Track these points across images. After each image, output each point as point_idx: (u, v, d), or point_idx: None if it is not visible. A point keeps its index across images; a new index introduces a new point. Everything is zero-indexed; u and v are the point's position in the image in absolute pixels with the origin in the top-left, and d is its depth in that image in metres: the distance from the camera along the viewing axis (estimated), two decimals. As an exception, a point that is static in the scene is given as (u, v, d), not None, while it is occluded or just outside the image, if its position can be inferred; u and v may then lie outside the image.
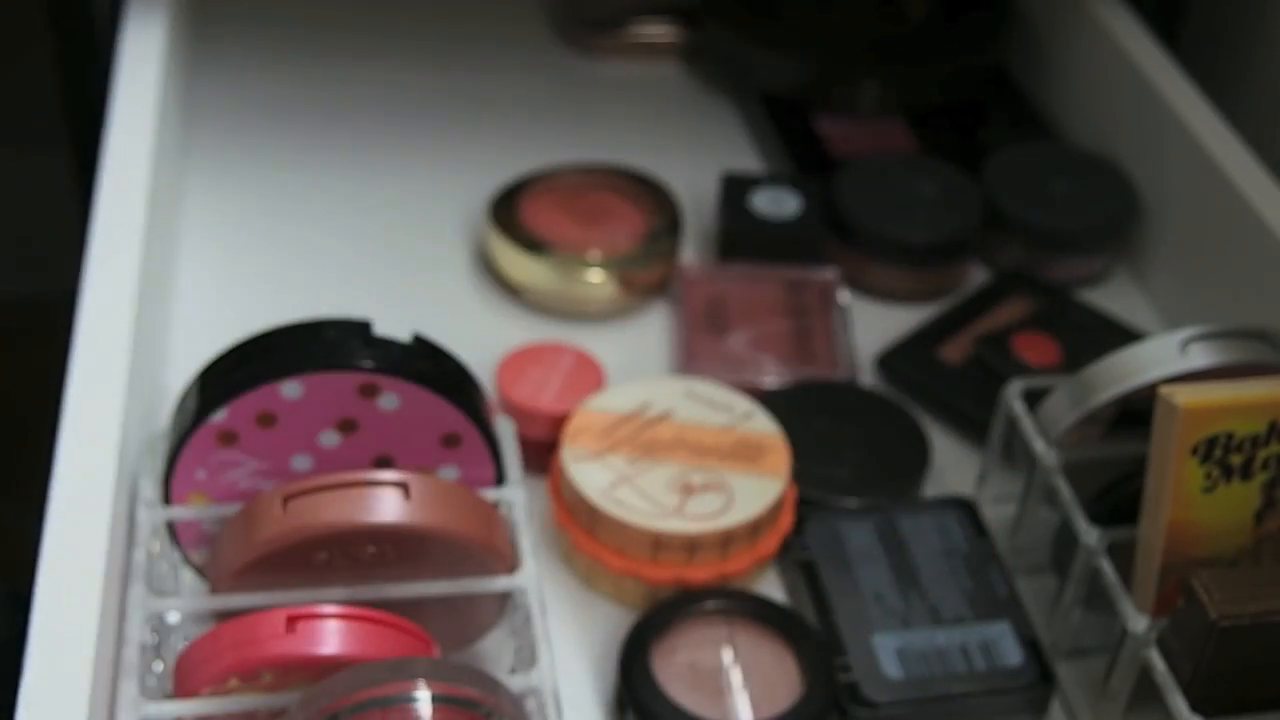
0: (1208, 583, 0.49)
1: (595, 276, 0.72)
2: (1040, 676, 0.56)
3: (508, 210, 0.74)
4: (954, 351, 0.71)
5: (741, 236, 0.75)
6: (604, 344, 0.69)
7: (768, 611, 0.57)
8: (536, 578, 0.51)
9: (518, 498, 0.54)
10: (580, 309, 0.73)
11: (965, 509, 0.62)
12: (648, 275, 0.73)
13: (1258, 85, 0.86)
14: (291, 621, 0.47)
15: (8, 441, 1.40)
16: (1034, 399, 0.60)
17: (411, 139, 0.85)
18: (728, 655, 0.56)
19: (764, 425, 0.62)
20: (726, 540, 0.58)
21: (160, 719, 0.46)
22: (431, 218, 0.80)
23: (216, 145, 0.83)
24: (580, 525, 0.60)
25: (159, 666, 0.50)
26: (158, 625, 0.49)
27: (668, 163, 0.81)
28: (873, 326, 0.74)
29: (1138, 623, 0.52)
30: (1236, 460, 0.51)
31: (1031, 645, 0.57)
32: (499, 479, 0.55)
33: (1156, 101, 0.77)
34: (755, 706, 0.55)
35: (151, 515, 0.52)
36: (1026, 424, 0.59)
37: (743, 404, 0.63)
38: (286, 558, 0.49)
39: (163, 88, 0.71)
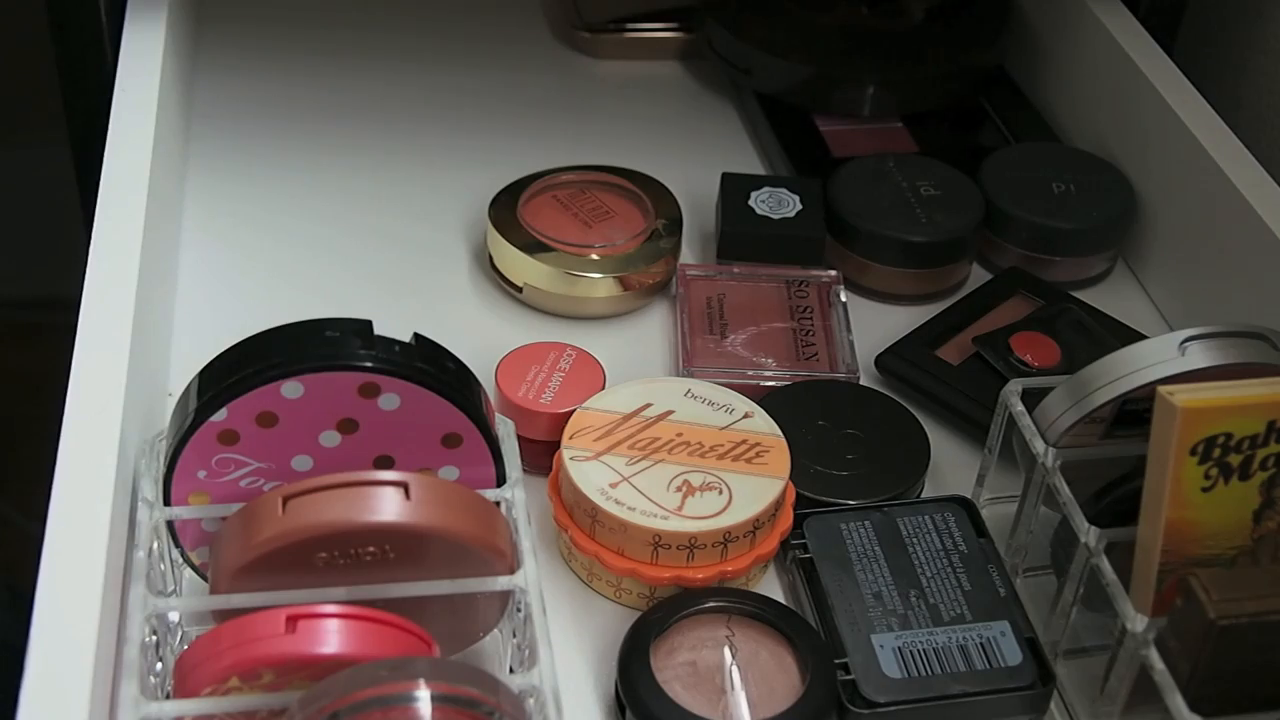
0: (1206, 582, 0.49)
1: (595, 276, 0.72)
2: (1039, 676, 0.56)
3: (508, 210, 0.74)
4: (953, 351, 0.71)
5: (741, 236, 0.75)
6: (604, 344, 0.69)
7: (767, 611, 0.58)
8: (536, 578, 0.51)
9: (518, 498, 0.54)
10: (580, 309, 0.73)
11: (965, 509, 0.62)
12: (648, 275, 0.73)
13: (1257, 85, 0.86)
14: (291, 621, 0.47)
15: (8, 441, 1.40)
16: (1033, 399, 0.60)
17: (411, 139, 0.86)
18: (727, 655, 0.56)
19: (764, 425, 0.62)
20: (726, 540, 0.58)
21: (160, 719, 0.46)
22: (431, 217, 0.80)
23: (216, 145, 0.83)
24: (580, 525, 0.60)
25: (159, 666, 0.50)
26: (158, 625, 0.50)
27: (668, 163, 0.81)
28: (873, 326, 0.74)
29: (1137, 622, 0.52)
30: (1235, 460, 0.51)
31: (1031, 645, 0.57)
32: (499, 479, 0.55)
33: (1156, 101, 0.77)
34: (755, 706, 0.55)
35: (151, 515, 0.52)
36: (1026, 424, 0.59)
37: (743, 404, 0.63)
38: (286, 558, 0.49)
39: (163, 88, 0.71)
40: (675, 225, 0.75)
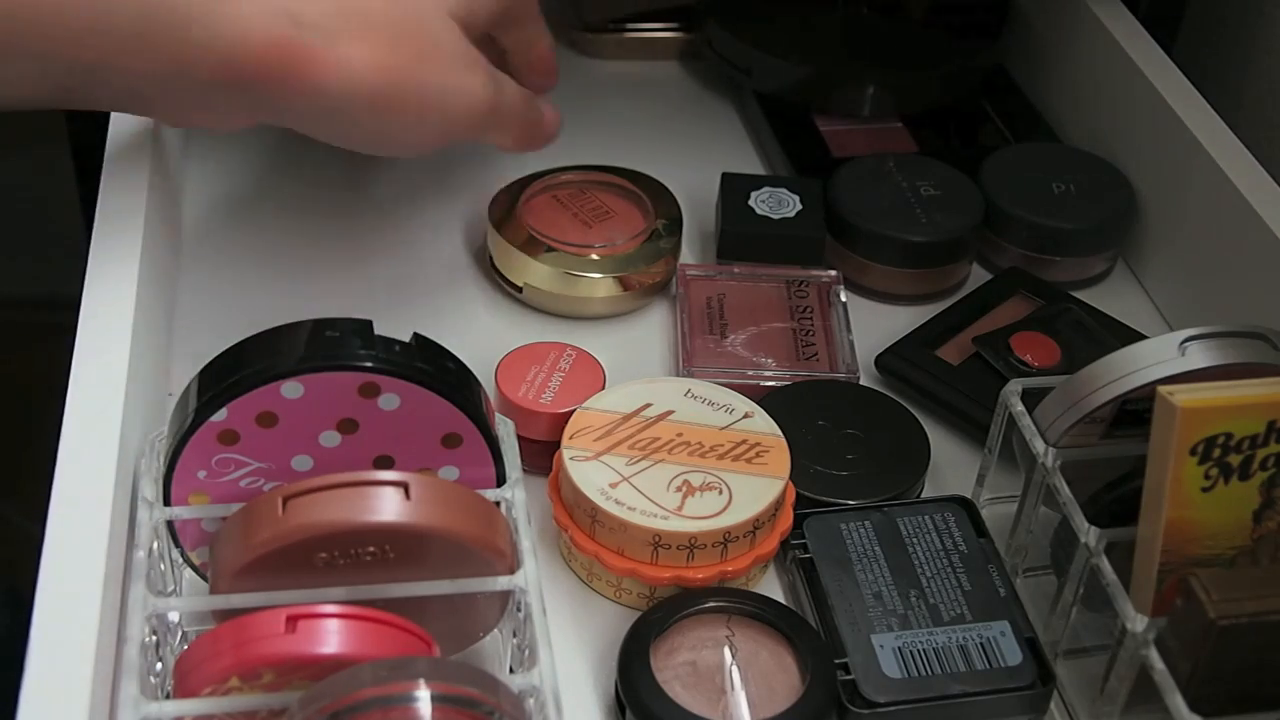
0: (1206, 582, 0.49)
1: (595, 276, 0.72)
2: (1039, 676, 0.56)
3: (508, 210, 0.74)
4: (953, 351, 0.71)
5: (741, 236, 0.75)
6: (604, 344, 0.69)
7: (767, 611, 0.58)
8: (536, 578, 0.51)
9: (518, 498, 0.54)
10: (580, 309, 0.73)
11: (965, 509, 0.62)
12: (648, 275, 0.73)
13: (1258, 85, 0.86)
14: (291, 621, 0.47)
15: (10, 442, 1.40)
16: (1033, 399, 0.60)
17: (412, 139, 0.85)
18: (727, 655, 0.56)
19: (764, 425, 0.62)
20: (726, 540, 0.58)
21: (160, 719, 0.46)
22: (431, 217, 0.80)
23: (216, 145, 0.83)
24: (580, 525, 0.60)
25: (159, 666, 0.50)
26: (158, 625, 0.50)
27: (668, 163, 0.81)
28: (873, 326, 0.74)
29: (1137, 622, 0.52)
30: (1235, 460, 0.51)
31: (1030, 645, 0.57)
32: (499, 479, 0.55)
33: (1156, 101, 0.77)
34: (755, 706, 0.55)
35: (151, 515, 0.52)
36: (1026, 424, 0.59)
37: (743, 404, 0.63)
38: (286, 558, 0.49)
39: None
40: (675, 225, 0.75)
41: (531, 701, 0.48)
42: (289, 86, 0.55)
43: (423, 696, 0.44)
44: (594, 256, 0.72)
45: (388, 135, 0.61)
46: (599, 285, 0.72)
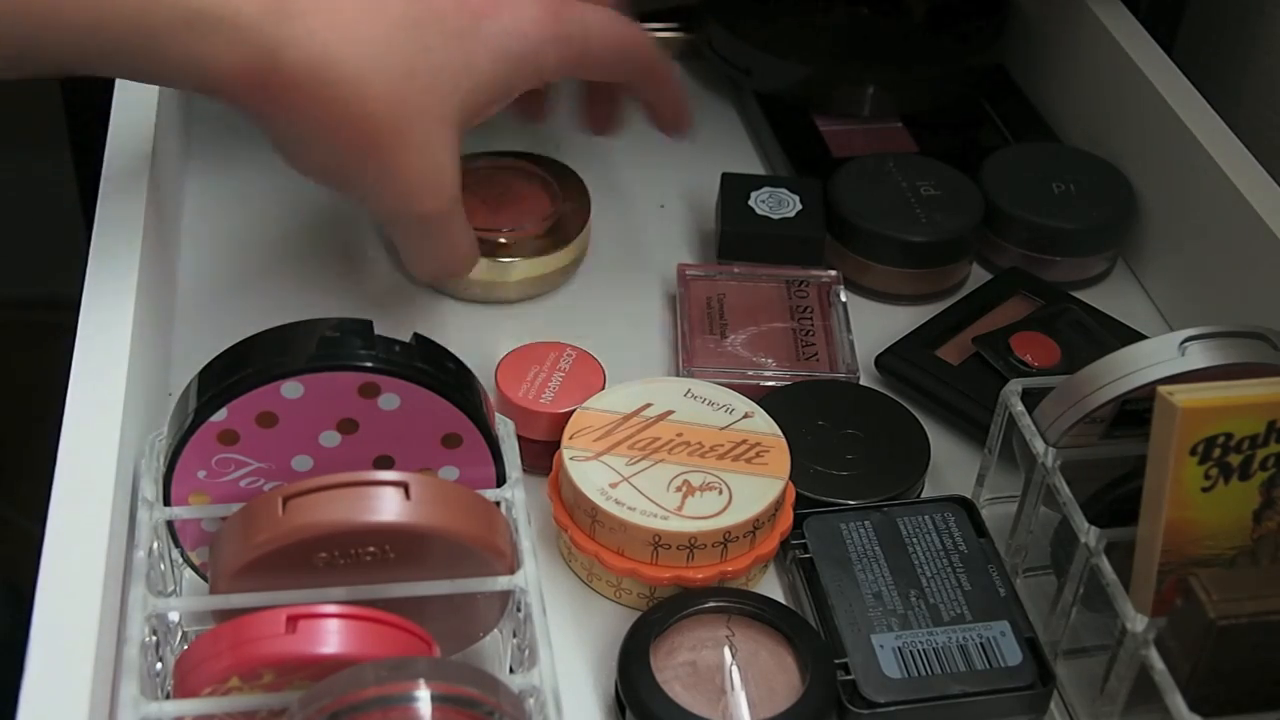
0: (1206, 582, 0.49)
1: (506, 259, 0.73)
2: (1039, 676, 0.56)
3: None
4: (953, 351, 0.71)
5: (741, 236, 0.75)
6: (604, 344, 0.69)
7: (767, 611, 0.58)
8: (536, 578, 0.51)
9: (518, 498, 0.54)
10: (496, 294, 0.73)
11: (965, 509, 0.62)
12: (558, 258, 0.74)
13: (1257, 85, 0.86)
14: (292, 621, 0.47)
15: (10, 442, 1.40)
16: (1033, 399, 0.60)
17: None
18: (727, 655, 0.56)
19: (764, 425, 0.62)
20: (726, 540, 0.58)
21: (160, 719, 0.46)
22: (431, 218, 0.80)
23: (216, 145, 0.83)
24: (580, 525, 0.60)
25: (159, 666, 0.50)
26: (158, 625, 0.50)
27: (668, 163, 0.81)
28: (873, 326, 0.74)
29: (1137, 622, 0.52)
30: (1235, 460, 0.51)
31: (1030, 645, 0.57)
32: (499, 479, 0.55)
33: (1156, 101, 0.77)
34: (754, 706, 0.55)
35: (151, 515, 0.52)
36: (1026, 424, 0.59)
37: (743, 404, 0.63)
38: (286, 558, 0.49)
39: (162, 88, 0.71)
40: (583, 205, 0.75)
41: (531, 701, 0.48)
42: (263, 111, 0.59)
43: (423, 696, 0.44)
44: (501, 240, 0.73)
45: (334, 185, 0.63)
46: (510, 268, 0.73)
